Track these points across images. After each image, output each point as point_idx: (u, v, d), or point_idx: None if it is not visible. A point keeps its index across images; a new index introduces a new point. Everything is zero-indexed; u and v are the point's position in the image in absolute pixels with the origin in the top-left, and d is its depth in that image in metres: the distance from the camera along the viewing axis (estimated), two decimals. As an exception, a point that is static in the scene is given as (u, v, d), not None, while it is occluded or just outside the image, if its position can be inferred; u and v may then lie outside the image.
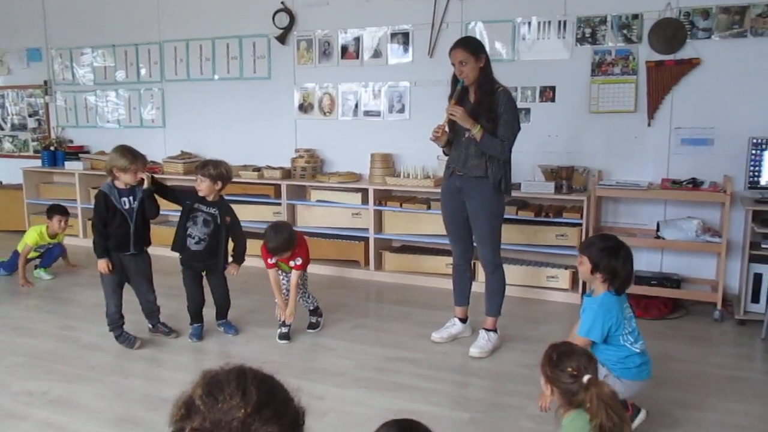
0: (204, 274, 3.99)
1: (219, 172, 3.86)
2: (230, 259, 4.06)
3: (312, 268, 5.34)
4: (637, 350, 2.74)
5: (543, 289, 4.71)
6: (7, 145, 7.60)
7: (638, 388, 2.77)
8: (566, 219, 4.66)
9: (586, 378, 2.00)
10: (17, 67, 7.28)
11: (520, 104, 4.67)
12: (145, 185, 3.71)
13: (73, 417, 2.94)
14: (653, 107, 4.60)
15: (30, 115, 7.38)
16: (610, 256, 2.74)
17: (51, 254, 5.37)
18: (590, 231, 4.52)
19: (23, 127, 7.45)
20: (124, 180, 3.68)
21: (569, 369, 2.05)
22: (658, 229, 4.43)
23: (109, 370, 3.49)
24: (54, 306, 4.69)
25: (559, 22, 4.79)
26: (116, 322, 3.79)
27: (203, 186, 3.83)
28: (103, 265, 3.71)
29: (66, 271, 5.47)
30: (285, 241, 3.76)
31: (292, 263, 3.88)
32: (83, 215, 6.52)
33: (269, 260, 3.88)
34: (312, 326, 4.04)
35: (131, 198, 3.71)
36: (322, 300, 4.31)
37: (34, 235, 5.22)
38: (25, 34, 7.09)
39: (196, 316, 3.97)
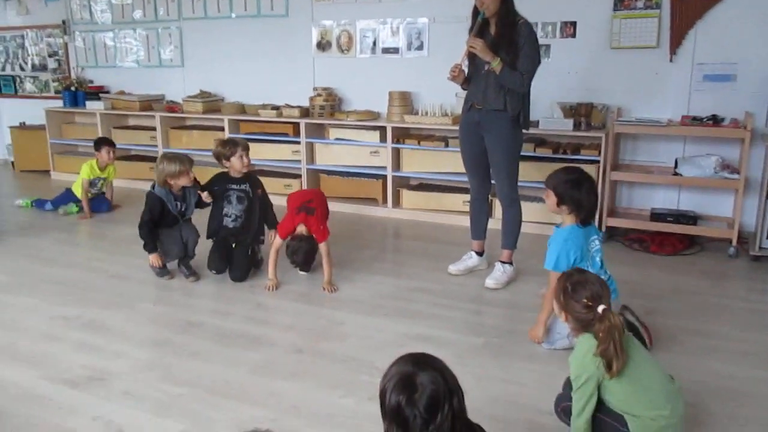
0: (232, 247, 4.01)
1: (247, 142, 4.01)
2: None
3: (331, 206, 5.41)
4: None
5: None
6: (29, 86, 7.68)
7: None
8: (584, 156, 4.67)
9: (601, 308, 2.04)
10: (35, 6, 7.29)
11: (540, 40, 4.60)
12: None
13: (107, 339, 3.10)
14: (676, 43, 4.53)
15: (50, 56, 7.43)
16: (573, 187, 2.86)
17: (99, 205, 5.51)
18: (608, 168, 4.53)
19: (44, 67, 7.51)
20: (179, 185, 3.83)
21: (584, 299, 2.09)
22: (676, 166, 4.43)
23: (137, 297, 3.63)
24: (81, 240, 4.85)
25: (582, -46, 4.69)
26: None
27: (247, 160, 3.94)
28: (155, 259, 3.85)
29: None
30: (308, 257, 3.81)
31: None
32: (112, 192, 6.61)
33: (284, 234, 3.81)
34: (303, 269, 3.99)
35: (179, 203, 3.89)
36: (341, 236, 4.41)
37: (86, 169, 5.39)
38: (41, -27, 7.07)
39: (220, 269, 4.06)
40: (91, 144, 5.71)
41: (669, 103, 4.63)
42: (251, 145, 5.78)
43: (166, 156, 3.91)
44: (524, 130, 3.73)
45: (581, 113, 4.71)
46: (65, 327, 3.23)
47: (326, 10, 5.69)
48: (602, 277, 2.82)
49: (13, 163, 7.60)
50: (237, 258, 3.94)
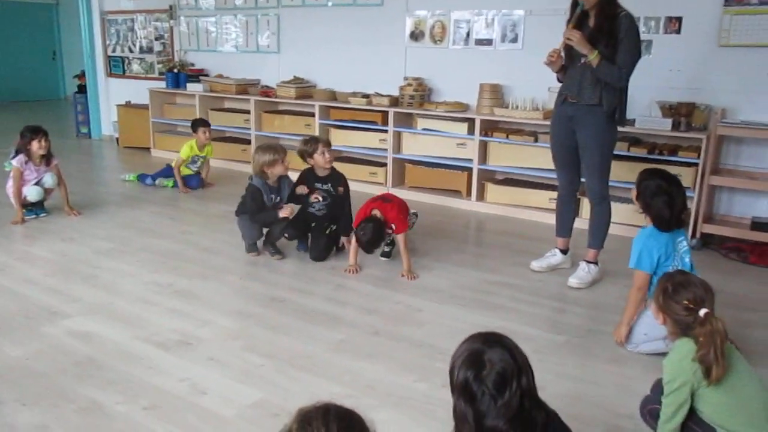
0: (313, 227, 4.12)
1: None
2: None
3: (414, 195, 5.48)
4: None
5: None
6: (136, 67, 8.11)
7: None
8: (682, 158, 4.46)
9: (703, 312, 1.94)
10: (146, -9, 7.69)
11: (642, 35, 4.42)
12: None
13: (196, 306, 3.25)
14: (792, 41, 4.24)
15: (156, 39, 7.82)
16: (652, 195, 2.79)
17: (189, 182, 5.78)
18: (707, 172, 4.31)
19: (150, 50, 7.91)
20: (275, 173, 3.96)
21: (685, 301, 2.00)
22: (783, 174, 4.17)
23: (225, 271, 3.79)
24: (176, 213, 5.09)
25: (693, -54, 4.47)
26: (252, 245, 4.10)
27: (329, 156, 4.04)
28: (287, 211, 3.98)
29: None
30: (375, 237, 3.72)
31: (389, 230, 3.83)
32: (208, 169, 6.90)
33: (356, 222, 3.86)
34: (385, 254, 4.06)
35: (275, 196, 4.03)
36: (422, 226, 4.43)
37: (186, 149, 5.71)
38: (153, -40, 7.45)
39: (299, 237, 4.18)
40: (189, 124, 5.99)
41: (780, 106, 4.35)
42: (340, 132, 5.93)
43: (260, 147, 4.06)
44: (619, 127, 3.61)
45: (681, 113, 4.50)
46: (158, 293, 3.41)
47: (421, 0, 5.70)
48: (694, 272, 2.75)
49: (117, 139, 8.06)
50: (315, 236, 4.06)
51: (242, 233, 4.07)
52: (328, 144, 4.11)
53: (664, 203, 2.77)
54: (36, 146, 4.58)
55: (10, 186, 4.62)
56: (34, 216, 4.71)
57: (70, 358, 2.70)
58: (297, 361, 2.71)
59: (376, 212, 3.76)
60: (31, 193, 4.62)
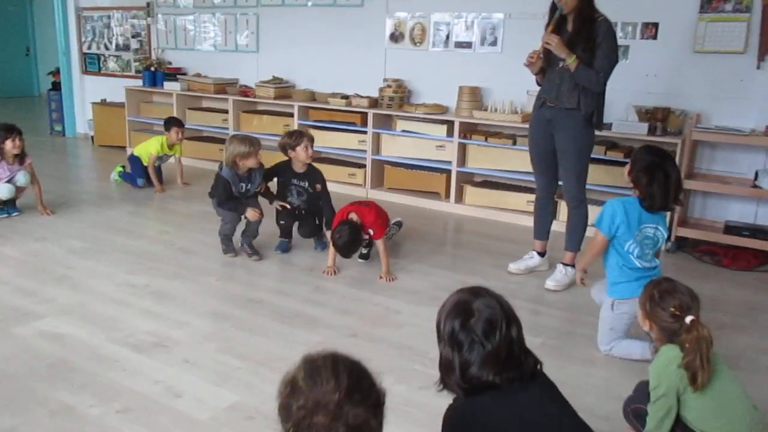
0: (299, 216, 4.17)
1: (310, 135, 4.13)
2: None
3: (393, 197, 5.48)
4: (638, 264, 2.80)
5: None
6: (112, 65, 8.00)
7: (627, 308, 2.78)
8: (657, 162, 4.51)
9: (689, 319, 1.96)
10: (123, -12, 7.58)
11: (619, 41, 4.48)
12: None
13: (171, 308, 3.21)
14: (765, 48, 4.32)
15: (133, 36, 7.72)
16: (644, 171, 2.75)
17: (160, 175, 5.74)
18: (681, 176, 4.36)
19: (126, 47, 7.81)
20: (247, 166, 3.91)
21: (672, 308, 2.01)
22: (756, 178, 4.24)
23: (202, 271, 3.75)
24: (152, 213, 5.03)
25: (670, -47, 4.53)
26: (227, 237, 4.04)
27: (311, 151, 4.03)
28: (252, 212, 3.93)
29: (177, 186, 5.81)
30: (350, 243, 3.69)
31: (367, 235, 3.80)
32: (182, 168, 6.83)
33: (335, 224, 3.84)
34: (363, 256, 4.05)
35: (246, 184, 3.97)
36: (403, 220, 4.44)
37: (156, 144, 5.61)
38: (130, -44, 7.35)
39: (286, 233, 4.16)
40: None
41: (753, 111, 4.42)
42: (319, 132, 5.91)
43: (236, 137, 4.01)
44: (597, 131, 3.64)
45: (657, 117, 4.56)
46: (133, 294, 3.36)
47: (402, 1, 5.70)
48: (651, 263, 2.83)
49: (92, 137, 7.94)
50: (305, 219, 4.12)
51: (221, 217, 4.01)
52: (312, 139, 4.08)
53: (657, 179, 2.72)
54: (10, 145, 4.49)
55: None
56: (5, 215, 4.62)
57: (41, 360, 2.65)
58: (273, 363, 2.69)
59: (353, 216, 3.75)
60: (2, 191, 4.53)
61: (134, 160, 5.71)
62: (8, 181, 4.57)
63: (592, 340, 2.98)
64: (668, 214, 3.91)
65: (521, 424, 1.50)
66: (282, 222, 4.12)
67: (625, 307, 2.80)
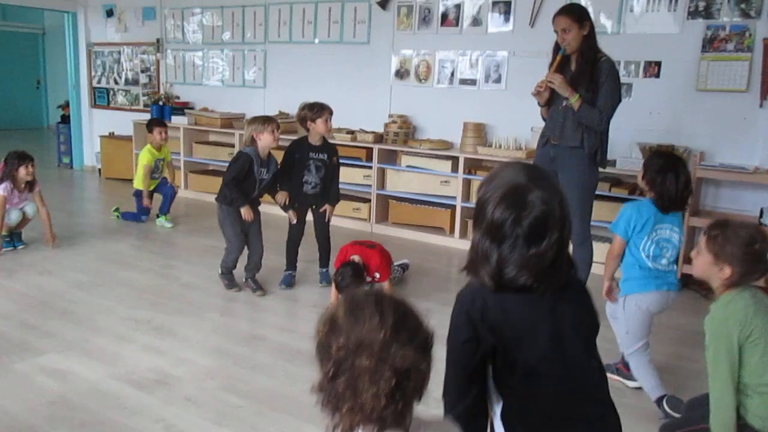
0: (312, 209, 4.16)
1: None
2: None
3: (397, 232, 5.48)
4: (650, 265, 2.79)
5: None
6: (121, 99, 8.11)
7: (647, 302, 2.77)
8: (662, 199, 4.51)
9: None
10: (133, 25, 7.73)
11: (622, 79, 4.52)
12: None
13: (173, 344, 3.19)
14: None
15: (142, 71, 7.83)
16: (657, 171, 2.79)
17: (165, 196, 5.67)
18: (687, 213, 4.36)
19: (135, 82, 7.92)
20: (265, 142, 3.88)
21: (746, 235, 1.98)
22: (761, 216, 4.22)
23: (205, 307, 3.73)
24: (156, 247, 5.03)
25: (671, -6, 4.60)
26: (229, 269, 4.01)
27: (331, 124, 4.07)
28: (248, 211, 3.88)
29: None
30: (353, 284, 3.64)
31: (374, 276, 3.81)
32: (185, 167, 6.90)
33: (337, 263, 3.85)
34: None
35: (265, 170, 3.96)
36: (408, 262, 4.44)
37: (146, 155, 5.58)
38: (141, -6, 7.51)
39: (291, 262, 4.15)
40: (173, 156, 5.95)
41: (757, 149, 4.44)
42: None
43: (254, 117, 4.05)
44: (600, 168, 3.66)
45: (661, 155, 4.57)
46: (135, 330, 3.35)
47: (407, 39, 5.78)
48: (669, 267, 2.82)
49: (99, 170, 8.00)
50: (318, 222, 4.13)
51: (226, 244, 3.97)
52: (331, 113, 4.06)
53: (670, 182, 2.76)
54: (23, 172, 4.52)
55: None
56: (11, 248, 4.64)
57: (42, 397, 2.63)
58: (276, 402, 2.66)
59: (356, 258, 3.74)
60: (11, 217, 4.54)
61: (139, 194, 5.72)
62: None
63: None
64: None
65: (549, 340, 1.36)
66: (296, 205, 4.08)
67: (633, 302, 2.79)
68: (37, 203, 4.69)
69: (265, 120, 3.92)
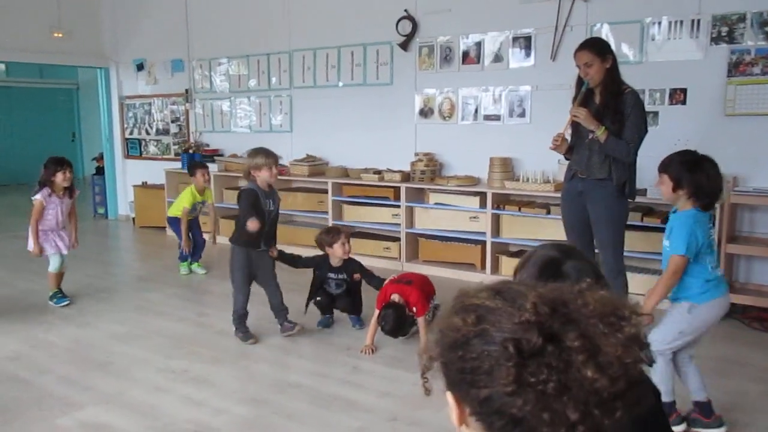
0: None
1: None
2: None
3: (428, 270, 5.46)
4: (717, 274, 2.69)
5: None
6: (152, 149, 8.32)
7: (717, 309, 2.68)
8: (696, 227, 4.43)
9: None
10: (163, 77, 7.97)
11: (647, 107, 4.51)
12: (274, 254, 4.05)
13: (210, 394, 3.20)
14: (798, 109, 4.29)
15: (172, 121, 8.04)
16: (691, 169, 2.64)
17: (197, 245, 5.71)
18: (723, 240, 4.28)
19: (166, 131, 8.13)
20: (262, 178, 3.88)
21: None
22: (801, 240, 4.12)
23: (240, 355, 3.75)
24: (191, 295, 5.10)
25: (693, 21, 4.59)
26: (240, 318, 4.00)
27: (348, 247, 4.10)
28: (253, 222, 3.74)
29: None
30: (397, 327, 3.72)
31: (412, 311, 3.81)
32: (215, 213, 7.00)
33: (378, 305, 3.83)
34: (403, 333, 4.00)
35: (271, 201, 3.97)
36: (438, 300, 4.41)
37: (187, 196, 5.58)
38: (170, 47, 7.75)
39: (326, 311, 4.21)
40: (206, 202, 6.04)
41: (792, 172, 4.35)
42: (353, 207, 6.00)
43: (255, 148, 4.02)
44: (630, 200, 3.62)
45: (693, 182, 4.51)
46: (172, 380, 3.38)
47: (429, 78, 5.85)
48: (716, 273, 2.69)
49: (134, 219, 8.18)
50: (341, 297, 4.14)
51: (232, 277, 3.98)
52: (348, 236, 4.16)
53: (708, 172, 2.63)
54: (60, 178, 4.61)
55: (30, 226, 4.56)
56: (66, 302, 4.66)
57: (83, 452, 2.65)
58: (313, 451, 2.64)
59: (396, 297, 3.74)
60: (54, 261, 4.62)
61: (172, 221, 5.77)
62: (57, 254, 4.65)
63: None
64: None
65: None
66: (319, 299, 4.14)
67: (704, 311, 2.65)
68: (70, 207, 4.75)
69: (265, 155, 3.88)
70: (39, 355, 3.76)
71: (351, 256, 4.20)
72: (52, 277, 4.66)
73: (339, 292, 4.14)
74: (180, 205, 5.63)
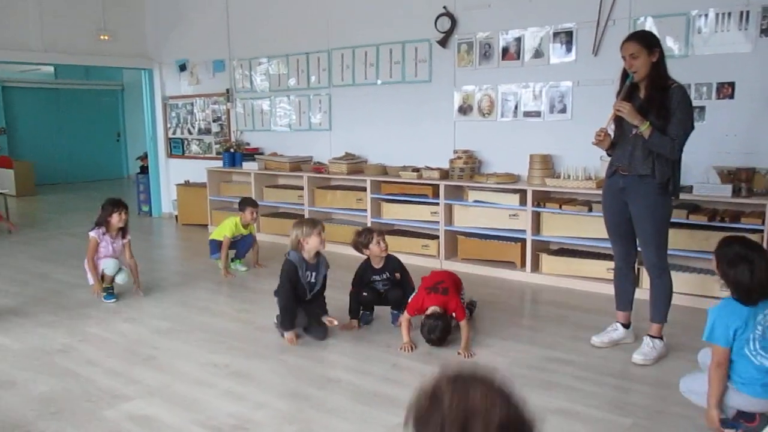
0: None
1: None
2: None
3: (467, 268, 5.44)
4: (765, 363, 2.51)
5: (715, 299, 4.39)
6: (195, 148, 8.47)
7: (760, 405, 2.54)
8: (745, 224, 4.31)
9: None
10: (205, 77, 8.10)
11: (693, 102, 4.41)
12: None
13: (251, 388, 3.25)
14: None
15: (214, 120, 8.18)
16: (729, 265, 2.55)
17: (244, 243, 5.78)
18: (773, 238, 4.14)
19: (208, 131, 8.27)
20: (312, 246, 3.89)
21: None
22: None
23: (280, 350, 3.79)
24: (232, 291, 5.17)
25: (741, 12, 4.46)
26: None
27: (384, 245, 4.10)
28: (291, 337, 3.86)
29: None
30: (443, 336, 3.70)
31: (452, 316, 3.79)
32: (257, 246, 7.03)
33: (411, 311, 3.83)
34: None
35: (314, 273, 3.97)
36: (477, 299, 4.39)
37: (231, 226, 5.65)
38: (211, 48, 7.88)
39: (368, 307, 4.23)
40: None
41: None
42: (391, 205, 6.00)
43: (297, 221, 4.07)
44: (674, 198, 3.53)
45: (741, 178, 4.39)
46: (214, 374, 3.43)
47: (468, 75, 5.81)
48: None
49: (176, 216, 8.34)
50: (390, 292, 4.15)
51: (281, 317, 3.96)
52: (381, 233, 4.16)
53: (744, 272, 2.51)
54: (116, 219, 4.76)
55: (86, 261, 4.75)
56: (113, 299, 4.79)
57: (129, 443, 2.72)
58: (353, 446, 2.66)
59: (438, 309, 3.72)
60: (108, 265, 4.76)
61: (213, 244, 5.88)
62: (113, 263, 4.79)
63: (689, 420, 2.81)
64: None
65: None
66: (365, 294, 4.15)
67: (739, 400, 2.57)
68: (125, 254, 4.91)
69: (312, 224, 3.95)
70: (87, 348, 3.87)
71: (390, 253, 4.20)
72: (105, 277, 4.79)
73: (386, 289, 4.16)
74: (221, 232, 5.70)
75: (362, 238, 4.10)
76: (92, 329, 4.22)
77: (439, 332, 3.68)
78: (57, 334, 4.10)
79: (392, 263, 4.19)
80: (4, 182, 10.90)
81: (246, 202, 5.80)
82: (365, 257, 4.18)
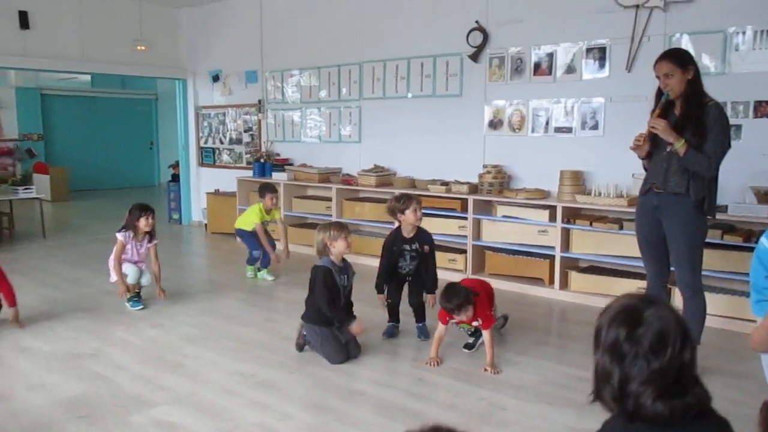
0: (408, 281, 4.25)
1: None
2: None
3: (494, 283, 5.37)
4: None
5: (750, 322, 4.29)
6: (225, 157, 8.57)
7: None
8: (781, 246, 4.20)
9: None
10: (237, 88, 8.22)
11: (730, 120, 4.33)
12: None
13: (277, 398, 3.25)
14: None
15: (245, 131, 8.28)
16: None
17: (266, 254, 5.83)
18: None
19: (239, 141, 8.37)
20: (338, 249, 3.85)
21: None
22: None
23: (306, 361, 3.80)
24: (259, 301, 5.20)
25: (780, 30, 4.38)
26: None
27: (420, 214, 4.12)
28: (359, 325, 3.81)
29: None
30: (460, 304, 3.59)
31: (475, 323, 3.74)
32: (285, 221, 7.14)
33: (447, 318, 3.73)
34: (468, 346, 3.97)
35: (345, 276, 3.95)
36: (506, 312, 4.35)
37: (257, 212, 5.79)
38: (244, 59, 8.00)
39: (393, 315, 4.21)
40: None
41: None
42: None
43: (321, 225, 4.04)
44: (709, 218, 3.46)
45: (778, 199, 4.29)
46: (241, 384, 3.45)
47: (499, 90, 5.80)
48: None
49: (206, 225, 8.44)
50: (412, 287, 4.19)
51: (322, 353, 3.80)
52: (420, 202, 4.17)
53: None
54: (143, 223, 4.85)
55: (111, 259, 4.85)
56: (140, 307, 4.85)
57: (155, 449, 2.74)
58: (377, 461, 2.64)
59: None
60: (129, 273, 4.83)
61: (241, 233, 5.93)
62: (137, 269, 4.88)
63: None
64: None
65: None
66: (389, 301, 4.14)
67: None
68: (151, 257, 4.98)
69: (339, 227, 3.93)
70: (116, 353, 3.92)
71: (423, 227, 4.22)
72: (129, 286, 4.86)
73: (411, 267, 4.14)
74: (249, 220, 5.82)
75: (400, 203, 4.09)
76: (122, 335, 4.28)
77: (456, 300, 3.56)
78: (88, 338, 4.17)
79: (423, 236, 4.18)
80: (40, 188, 11.15)
81: (265, 188, 5.89)
82: (395, 226, 4.18)
